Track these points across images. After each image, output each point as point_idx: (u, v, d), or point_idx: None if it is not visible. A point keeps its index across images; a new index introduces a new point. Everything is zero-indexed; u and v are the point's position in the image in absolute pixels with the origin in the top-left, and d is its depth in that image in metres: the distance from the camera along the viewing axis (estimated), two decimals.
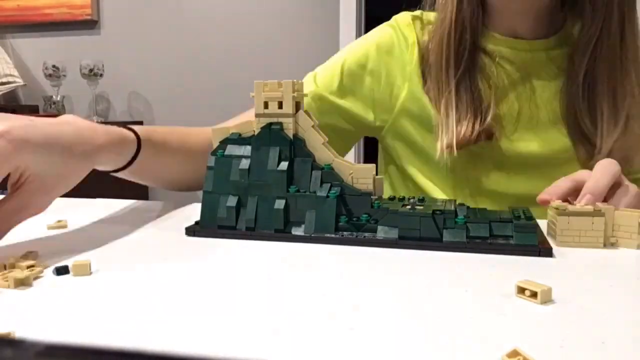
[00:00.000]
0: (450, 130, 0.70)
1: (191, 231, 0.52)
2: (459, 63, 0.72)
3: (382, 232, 0.49)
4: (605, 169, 0.54)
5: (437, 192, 0.77)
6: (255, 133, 0.52)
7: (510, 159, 0.72)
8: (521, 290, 0.35)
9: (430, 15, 0.79)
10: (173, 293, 0.37)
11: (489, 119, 0.70)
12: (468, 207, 0.52)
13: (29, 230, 0.55)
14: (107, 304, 0.35)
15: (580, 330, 0.30)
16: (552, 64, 0.74)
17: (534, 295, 0.34)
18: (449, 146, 0.69)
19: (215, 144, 0.54)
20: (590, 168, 0.56)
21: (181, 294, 0.37)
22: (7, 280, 0.38)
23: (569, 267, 0.43)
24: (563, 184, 0.56)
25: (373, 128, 0.81)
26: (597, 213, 0.48)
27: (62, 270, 0.40)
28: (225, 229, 0.52)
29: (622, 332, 0.30)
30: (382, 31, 0.81)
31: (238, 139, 0.53)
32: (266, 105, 0.52)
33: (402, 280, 0.39)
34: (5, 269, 0.41)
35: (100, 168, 0.56)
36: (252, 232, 0.51)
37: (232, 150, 0.53)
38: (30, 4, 2.58)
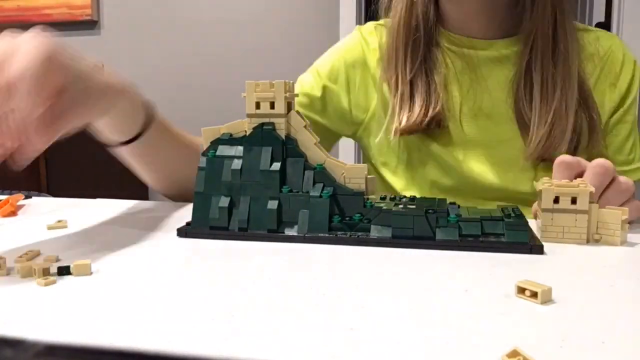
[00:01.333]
0: (403, 115, 0.74)
1: (182, 232, 0.52)
2: (415, 55, 0.75)
3: (375, 231, 0.49)
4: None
5: (399, 185, 0.79)
6: (247, 133, 0.52)
7: (460, 144, 0.75)
8: (521, 290, 0.35)
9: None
10: (172, 293, 0.37)
11: (438, 107, 0.73)
12: (459, 206, 0.52)
13: (29, 230, 0.55)
14: (107, 304, 0.35)
15: (580, 330, 0.30)
16: (505, 62, 0.76)
17: (534, 295, 0.34)
18: (402, 130, 0.74)
19: (206, 145, 0.54)
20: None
21: (180, 295, 0.37)
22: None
23: (565, 265, 0.43)
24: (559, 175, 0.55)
25: (348, 135, 0.86)
26: (581, 210, 0.48)
27: (63, 271, 0.40)
28: (217, 229, 0.52)
29: (622, 332, 0.30)
30: (348, 44, 0.85)
31: (229, 139, 0.53)
32: (258, 106, 0.52)
33: (399, 280, 0.39)
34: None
35: (111, 133, 0.61)
36: (244, 233, 0.51)
37: (223, 150, 0.53)
38: (30, 4, 2.58)
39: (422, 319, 0.32)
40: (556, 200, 0.48)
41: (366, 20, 2.32)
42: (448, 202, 0.53)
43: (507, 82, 0.75)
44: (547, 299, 0.34)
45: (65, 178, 2.07)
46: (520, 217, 0.47)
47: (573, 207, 0.48)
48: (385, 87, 0.79)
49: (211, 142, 0.54)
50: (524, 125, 0.73)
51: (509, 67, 0.76)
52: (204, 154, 0.53)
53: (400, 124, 0.74)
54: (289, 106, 0.53)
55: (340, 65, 0.82)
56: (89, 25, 2.54)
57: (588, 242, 0.49)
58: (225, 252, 0.47)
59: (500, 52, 0.76)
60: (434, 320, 0.32)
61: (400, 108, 0.75)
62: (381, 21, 0.84)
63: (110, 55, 2.48)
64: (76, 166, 2.13)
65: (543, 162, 0.72)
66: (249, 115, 0.52)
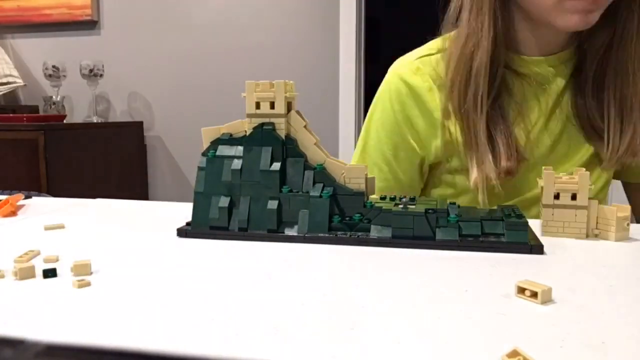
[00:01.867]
0: (489, 163, 0.69)
1: (183, 232, 0.52)
2: (491, 84, 0.70)
3: (375, 231, 0.49)
4: None
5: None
6: (247, 133, 0.52)
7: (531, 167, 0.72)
8: (521, 290, 0.35)
9: (432, 59, 0.77)
10: (172, 294, 0.37)
11: (519, 155, 0.69)
12: (459, 206, 0.52)
13: (27, 231, 0.56)
14: (107, 304, 0.35)
15: (580, 330, 0.30)
16: (572, 73, 0.73)
17: (534, 295, 0.34)
18: (489, 179, 0.68)
19: (206, 144, 0.54)
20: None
21: (180, 295, 0.36)
22: None
23: (565, 265, 0.43)
24: None
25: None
26: (580, 206, 0.49)
27: (49, 273, 0.40)
28: (217, 229, 0.52)
29: (622, 332, 0.30)
30: (382, 108, 0.79)
31: (229, 139, 0.53)
32: (258, 106, 0.52)
33: (400, 280, 0.39)
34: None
35: None
36: (245, 233, 0.51)
37: (223, 150, 0.53)
38: (30, 4, 2.58)
39: (422, 318, 0.32)
40: (557, 196, 0.49)
41: (366, 20, 2.33)
42: (448, 202, 0.53)
43: (574, 93, 0.73)
44: (547, 299, 0.34)
45: (65, 178, 2.07)
46: (520, 217, 0.47)
47: (573, 202, 0.49)
48: (450, 122, 0.73)
49: (211, 142, 0.54)
50: (597, 140, 0.72)
51: (574, 77, 0.73)
52: (204, 154, 0.53)
53: (488, 174, 0.68)
54: (289, 106, 0.53)
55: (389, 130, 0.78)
56: (89, 25, 2.54)
57: (587, 237, 0.50)
58: (225, 252, 0.47)
59: (566, 64, 0.73)
60: (434, 320, 0.32)
61: (484, 154, 0.69)
62: (430, 50, 0.78)
63: (110, 55, 2.48)
64: (76, 166, 2.12)
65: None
66: (249, 115, 0.52)
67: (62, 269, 0.42)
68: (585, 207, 0.49)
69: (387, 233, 0.48)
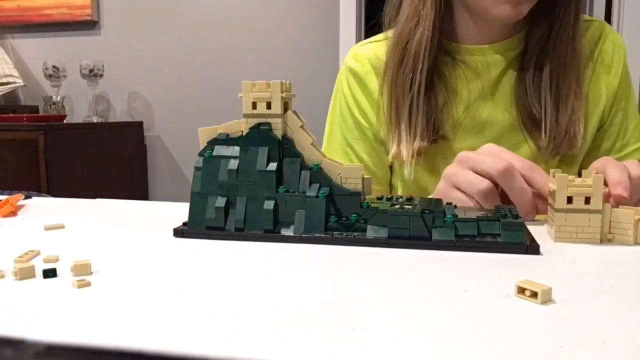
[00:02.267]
0: (405, 143, 0.75)
1: (179, 232, 0.52)
2: (420, 71, 0.74)
3: (371, 231, 0.49)
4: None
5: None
6: (244, 133, 0.52)
7: None
8: (521, 291, 0.35)
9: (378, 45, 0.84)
10: (170, 294, 0.37)
11: (442, 130, 0.75)
12: (455, 206, 0.52)
13: (27, 231, 0.56)
14: (106, 304, 0.35)
15: (580, 330, 0.30)
16: (512, 62, 0.76)
17: (534, 295, 0.34)
18: (407, 155, 0.75)
19: (203, 145, 0.54)
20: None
21: (178, 296, 0.36)
22: None
23: (563, 265, 0.42)
24: (621, 171, 0.54)
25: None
26: (594, 210, 0.48)
27: (49, 274, 0.40)
28: (213, 229, 0.52)
29: (622, 332, 0.30)
30: (335, 96, 0.89)
31: (226, 140, 0.53)
32: (254, 106, 0.52)
33: (398, 280, 0.39)
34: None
35: None
36: (241, 233, 0.51)
37: (220, 150, 0.53)
38: (30, 4, 2.58)
39: (421, 318, 0.32)
40: (569, 200, 0.48)
41: (366, 20, 2.32)
42: (445, 202, 0.53)
43: (514, 81, 0.75)
44: (547, 299, 0.34)
45: (65, 178, 2.07)
46: (517, 217, 0.47)
47: (587, 207, 0.48)
48: (384, 101, 0.79)
49: (208, 142, 0.54)
50: (533, 126, 0.74)
51: (514, 65, 0.75)
52: (200, 154, 0.53)
53: (402, 151, 0.75)
54: (286, 106, 0.53)
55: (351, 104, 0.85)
56: (89, 25, 2.54)
57: (601, 241, 0.49)
58: (221, 252, 0.47)
59: (507, 53, 0.76)
60: (434, 320, 0.32)
61: (402, 132, 0.75)
62: (377, 37, 0.86)
63: (110, 55, 2.48)
64: (76, 166, 2.12)
65: (556, 156, 0.73)
66: (246, 116, 0.52)
67: (62, 269, 0.41)
68: (600, 212, 0.48)
69: (383, 233, 0.48)
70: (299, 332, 0.30)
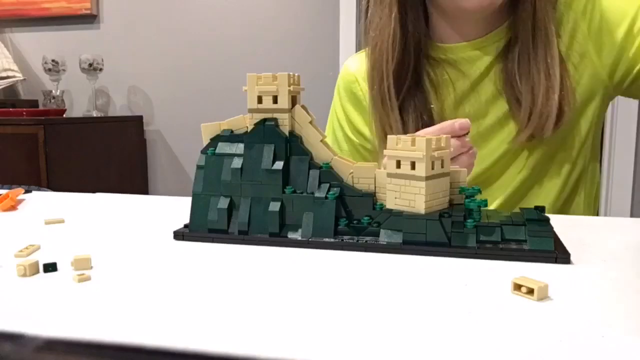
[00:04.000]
0: None
1: (180, 235, 0.49)
2: (402, 80, 0.74)
3: (385, 236, 0.45)
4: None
5: None
6: (248, 129, 0.49)
7: None
8: (517, 287, 0.34)
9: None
10: (171, 288, 0.36)
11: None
12: (480, 208, 0.48)
13: (27, 225, 0.56)
14: (105, 301, 0.35)
15: (579, 325, 0.30)
16: (495, 55, 0.74)
17: (530, 292, 0.34)
18: None
19: (206, 141, 0.50)
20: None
21: (180, 290, 0.36)
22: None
23: (583, 272, 0.39)
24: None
25: None
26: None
27: (49, 268, 0.40)
28: (216, 232, 0.48)
29: (621, 326, 0.30)
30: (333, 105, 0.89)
31: (230, 136, 0.49)
32: (260, 100, 0.48)
33: (409, 290, 0.36)
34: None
35: None
36: (245, 237, 0.48)
37: (223, 148, 0.49)
38: None
39: (422, 318, 0.31)
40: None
41: (366, 20, 2.30)
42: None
43: (498, 76, 0.73)
44: (544, 296, 0.34)
45: (65, 172, 2.05)
46: (545, 222, 0.43)
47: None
48: (372, 107, 0.78)
49: (211, 139, 0.50)
50: (517, 104, 0.71)
51: (497, 59, 0.74)
52: (203, 151, 0.50)
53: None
54: (294, 100, 0.49)
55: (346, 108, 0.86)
56: (88, 19, 2.52)
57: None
58: (224, 257, 0.44)
59: (489, 48, 0.74)
60: (434, 320, 0.30)
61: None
62: (360, 51, 0.85)
63: (110, 49, 2.46)
64: (76, 160, 2.11)
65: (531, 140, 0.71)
66: (251, 111, 0.49)
67: (62, 263, 0.41)
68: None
69: (397, 238, 0.45)
70: (303, 343, 0.28)
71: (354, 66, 0.85)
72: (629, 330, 0.29)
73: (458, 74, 0.75)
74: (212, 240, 0.48)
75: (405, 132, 0.73)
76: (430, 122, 0.72)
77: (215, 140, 0.50)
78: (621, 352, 0.26)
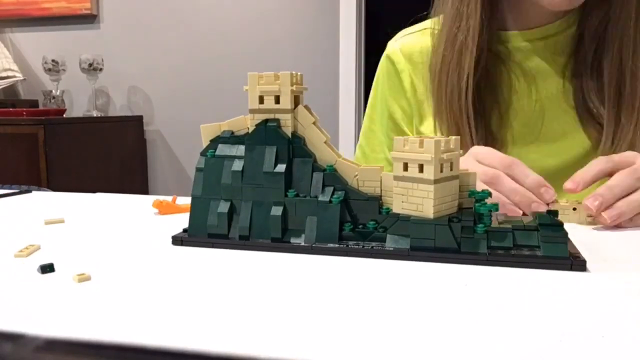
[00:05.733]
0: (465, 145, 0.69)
1: (178, 240, 0.47)
2: (475, 72, 0.69)
3: (391, 241, 0.44)
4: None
5: None
6: (249, 131, 0.47)
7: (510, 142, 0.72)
8: None
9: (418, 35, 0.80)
10: (171, 289, 0.36)
11: (499, 138, 0.71)
12: (490, 212, 0.46)
13: (27, 225, 0.55)
14: (106, 299, 0.35)
15: (579, 324, 0.30)
16: (563, 46, 0.71)
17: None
18: None
19: (206, 143, 0.49)
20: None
21: (180, 292, 0.36)
22: None
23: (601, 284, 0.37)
24: (593, 167, 0.53)
25: None
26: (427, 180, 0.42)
27: (47, 269, 0.39)
28: (216, 237, 0.47)
29: (621, 325, 0.29)
30: (375, 86, 0.86)
31: (230, 138, 0.48)
32: (261, 100, 0.47)
33: (415, 299, 0.34)
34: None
35: None
36: (246, 242, 0.46)
37: (223, 150, 0.48)
38: None
39: (421, 319, 0.30)
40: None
41: (366, 19, 2.28)
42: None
43: (565, 68, 0.70)
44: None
45: (65, 172, 2.04)
46: (559, 227, 0.41)
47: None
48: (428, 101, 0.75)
49: (210, 141, 0.49)
50: (589, 116, 0.68)
51: (567, 50, 0.70)
52: (202, 153, 0.48)
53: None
54: (296, 100, 0.47)
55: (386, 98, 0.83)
56: (88, 19, 2.51)
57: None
58: (224, 263, 0.43)
59: (557, 37, 0.70)
60: (433, 321, 0.30)
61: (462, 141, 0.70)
62: (419, 27, 0.81)
63: (110, 49, 2.45)
64: (76, 160, 2.11)
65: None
66: (252, 111, 0.47)
67: (62, 263, 0.41)
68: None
69: (404, 244, 0.43)
70: (304, 349, 0.27)
71: (410, 48, 0.80)
72: (629, 330, 0.29)
73: (517, 70, 0.71)
74: (212, 246, 0.46)
75: (473, 127, 0.69)
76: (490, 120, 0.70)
77: (215, 141, 0.48)
78: (621, 352, 0.26)
